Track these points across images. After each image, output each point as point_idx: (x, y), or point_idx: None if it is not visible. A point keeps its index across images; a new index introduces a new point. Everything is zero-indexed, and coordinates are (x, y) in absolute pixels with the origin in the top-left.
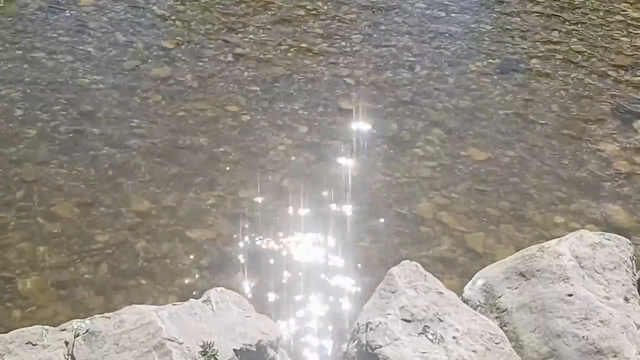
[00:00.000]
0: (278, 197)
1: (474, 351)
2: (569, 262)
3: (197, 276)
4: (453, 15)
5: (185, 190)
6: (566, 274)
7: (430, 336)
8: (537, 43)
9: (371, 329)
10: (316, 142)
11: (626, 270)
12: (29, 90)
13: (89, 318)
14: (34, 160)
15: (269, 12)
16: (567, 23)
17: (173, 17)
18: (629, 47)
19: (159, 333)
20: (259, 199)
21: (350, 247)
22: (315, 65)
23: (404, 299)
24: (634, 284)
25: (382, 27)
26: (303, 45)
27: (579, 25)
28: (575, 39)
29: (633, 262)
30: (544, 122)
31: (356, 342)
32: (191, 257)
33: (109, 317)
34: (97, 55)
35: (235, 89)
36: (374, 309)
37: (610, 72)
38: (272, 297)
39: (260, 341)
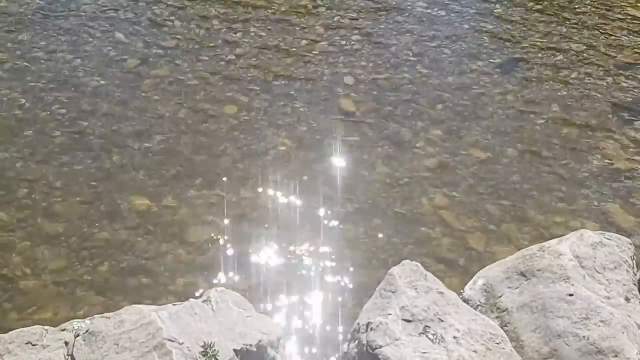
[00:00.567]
0: (278, 197)
1: (474, 351)
2: (570, 262)
3: (197, 276)
4: (453, 14)
5: (186, 190)
6: (567, 274)
7: (430, 336)
8: (538, 42)
9: (371, 329)
10: (316, 142)
11: (627, 270)
12: (29, 90)
13: (89, 318)
14: (34, 160)
15: (269, 12)
16: (567, 22)
17: (173, 17)
18: (629, 47)
19: (159, 333)
20: (259, 199)
21: (351, 247)
22: (315, 64)
23: (404, 299)
24: (635, 284)
25: (382, 27)
26: (303, 44)
27: (579, 25)
28: (575, 39)
29: (633, 261)
30: (544, 121)
31: (356, 342)
32: (191, 256)
33: (109, 317)
34: (97, 55)
35: (235, 89)
36: (375, 308)
37: (610, 72)
38: (272, 296)
39: (260, 341)
